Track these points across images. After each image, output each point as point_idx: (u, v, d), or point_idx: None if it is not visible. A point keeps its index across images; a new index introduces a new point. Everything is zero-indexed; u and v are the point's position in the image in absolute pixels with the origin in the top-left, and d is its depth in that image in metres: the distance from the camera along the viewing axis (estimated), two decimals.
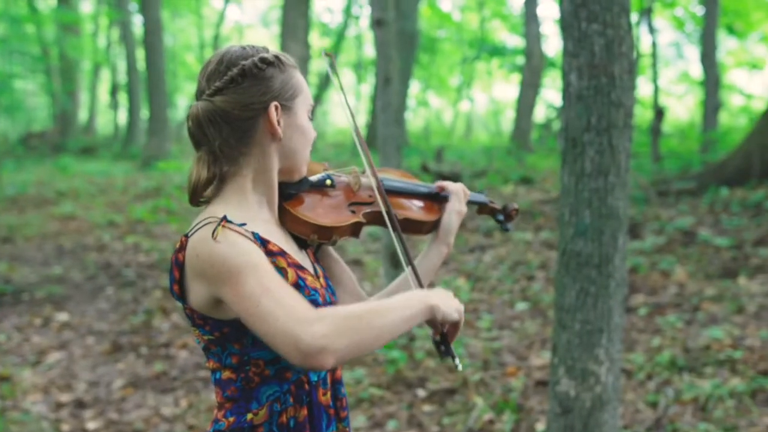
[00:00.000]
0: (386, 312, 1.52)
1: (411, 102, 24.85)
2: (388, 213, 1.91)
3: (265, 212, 1.77)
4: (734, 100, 20.88)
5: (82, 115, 28.32)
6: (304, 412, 1.71)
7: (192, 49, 30.94)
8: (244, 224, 1.64)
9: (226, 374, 1.69)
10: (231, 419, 1.69)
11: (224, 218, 1.61)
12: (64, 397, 5.29)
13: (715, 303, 5.78)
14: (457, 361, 1.72)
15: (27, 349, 6.27)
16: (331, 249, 2.02)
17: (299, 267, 1.72)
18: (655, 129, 11.95)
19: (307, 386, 1.72)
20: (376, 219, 1.95)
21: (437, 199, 2.10)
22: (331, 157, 16.18)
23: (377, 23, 6.01)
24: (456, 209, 2.04)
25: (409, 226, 2.03)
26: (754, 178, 8.79)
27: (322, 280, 1.82)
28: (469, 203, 2.14)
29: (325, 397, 1.75)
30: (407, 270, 1.85)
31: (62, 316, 7.15)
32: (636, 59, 3.61)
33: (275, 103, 1.70)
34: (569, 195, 3.50)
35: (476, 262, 7.91)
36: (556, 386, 3.55)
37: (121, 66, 27.42)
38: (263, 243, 1.67)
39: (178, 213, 11.49)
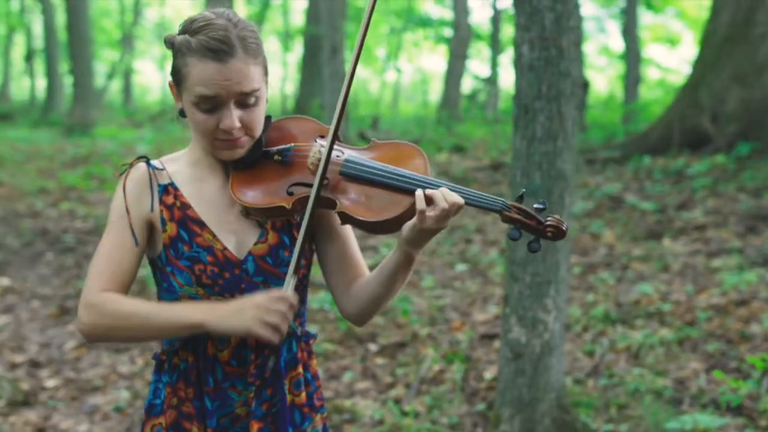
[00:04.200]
0: (154, 319, 1.70)
1: None
2: (316, 197, 1.67)
3: (206, 167, 1.84)
4: (651, 74, 21.68)
5: None
6: (190, 358, 1.82)
7: (111, 15, 30.14)
8: (163, 169, 1.83)
9: None
10: (158, 350, 1.90)
11: (140, 158, 1.83)
12: (18, 358, 5.35)
13: (642, 262, 6.20)
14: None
15: None
16: (336, 229, 1.87)
17: (197, 222, 1.78)
18: (580, 101, 12.44)
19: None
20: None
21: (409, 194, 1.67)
22: None
23: None
24: (423, 218, 1.64)
25: (357, 222, 1.71)
26: (674, 148, 9.31)
27: (243, 245, 1.80)
28: (471, 205, 1.68)
29: (221, 354, 1.82)
30: (291, 266, 1.71)
31: (4, 281, 7.12)
32: None
33: (170, 80, 1.81)
34: (521, 158, 3.76)
35: None
36: (509, 334, 3.84)
37: (36, 30, 26.58)
38: (165, 190, 1.81)
39: (113, 180, 11.40)
